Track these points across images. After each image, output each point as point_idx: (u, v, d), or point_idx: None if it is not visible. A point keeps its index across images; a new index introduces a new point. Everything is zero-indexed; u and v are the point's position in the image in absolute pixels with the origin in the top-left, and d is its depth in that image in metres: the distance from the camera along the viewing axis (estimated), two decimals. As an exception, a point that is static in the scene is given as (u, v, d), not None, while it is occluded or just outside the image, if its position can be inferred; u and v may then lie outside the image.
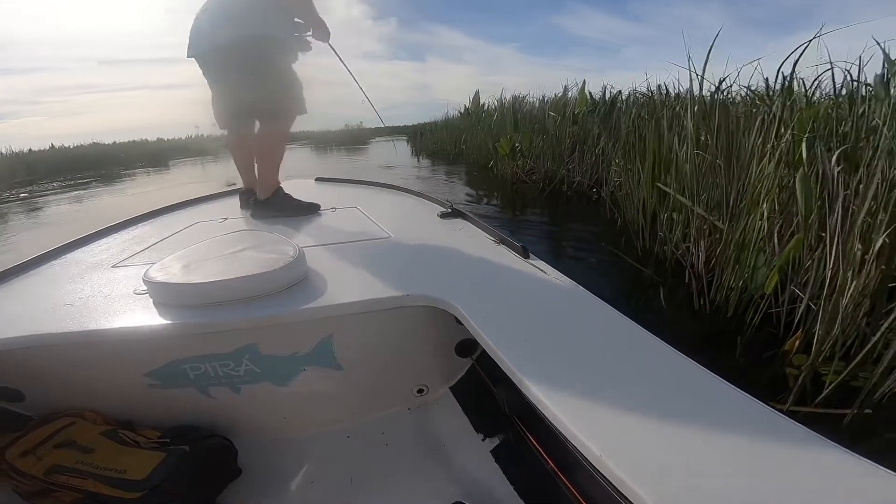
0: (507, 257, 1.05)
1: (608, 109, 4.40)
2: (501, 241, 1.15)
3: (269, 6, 1.46)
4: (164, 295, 0.84)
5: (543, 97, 6.86)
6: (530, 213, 4.11)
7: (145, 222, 1.61)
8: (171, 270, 0.87)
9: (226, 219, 1.63)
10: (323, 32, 1.62)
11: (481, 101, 9.05)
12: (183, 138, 25.66)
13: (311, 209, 1.66)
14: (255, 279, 0.83)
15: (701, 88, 2.31)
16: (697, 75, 2.27)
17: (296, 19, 1.59)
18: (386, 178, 5.64)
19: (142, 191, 8.11)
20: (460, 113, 10.44)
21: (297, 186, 1.89)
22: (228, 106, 1.68)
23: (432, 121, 12.33)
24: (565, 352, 0.65)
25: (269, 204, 1.64)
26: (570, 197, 4.41)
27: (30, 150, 14.58)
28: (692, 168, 2.17)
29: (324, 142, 22.26)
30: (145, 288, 0.87)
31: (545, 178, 4.84)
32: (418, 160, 9.41)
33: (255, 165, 1.72)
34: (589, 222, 3.50)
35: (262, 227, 1.51)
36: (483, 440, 0.90)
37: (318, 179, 2.45)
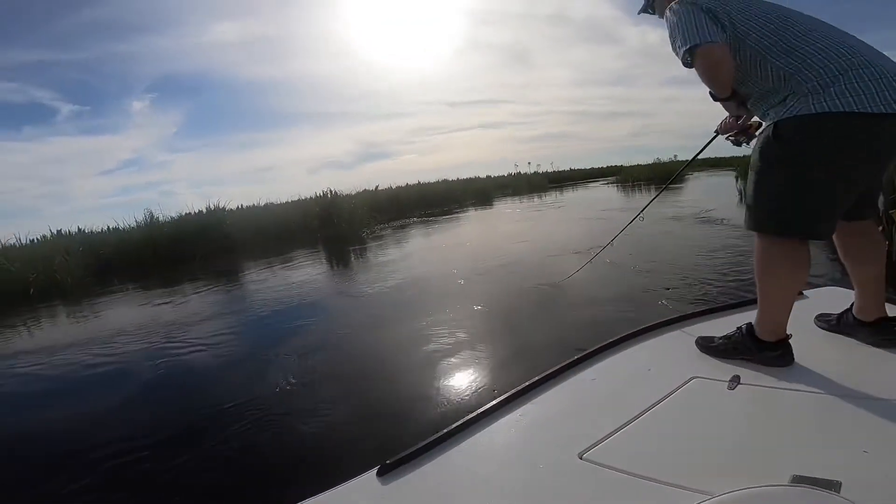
0: None
1: None
2: None
3: None
4: None
5: None
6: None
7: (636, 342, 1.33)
8: None
9: (736, 383, 0.97)
10: None
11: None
12: (505, 175, 29.74)
13: None
14: None
15: None
16: None
17: None
18: (715, 236, 4.31)
19: (464, 229, 9.84)
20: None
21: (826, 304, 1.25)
22: None
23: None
24: None
25: None
26: None
27: (406, 184, 19.11)
28: None
29: (631, 177, 21.35)
30: None
31: None
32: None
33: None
34: None
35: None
36: None
37: None
